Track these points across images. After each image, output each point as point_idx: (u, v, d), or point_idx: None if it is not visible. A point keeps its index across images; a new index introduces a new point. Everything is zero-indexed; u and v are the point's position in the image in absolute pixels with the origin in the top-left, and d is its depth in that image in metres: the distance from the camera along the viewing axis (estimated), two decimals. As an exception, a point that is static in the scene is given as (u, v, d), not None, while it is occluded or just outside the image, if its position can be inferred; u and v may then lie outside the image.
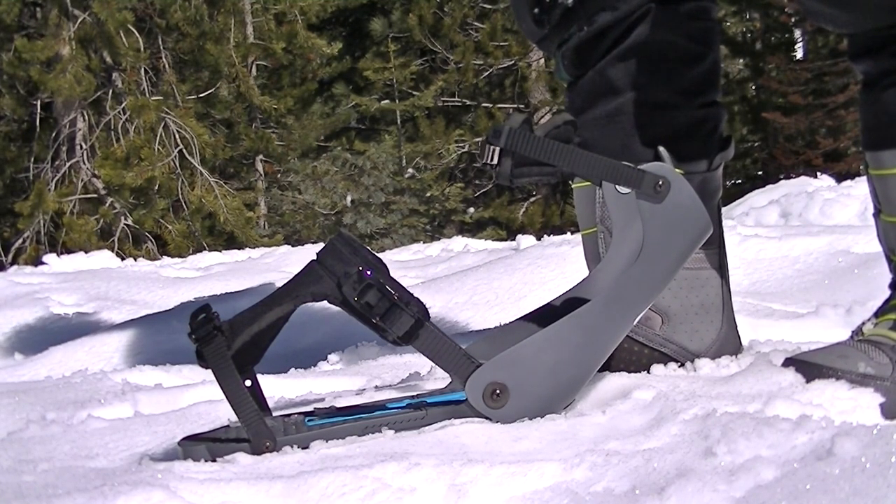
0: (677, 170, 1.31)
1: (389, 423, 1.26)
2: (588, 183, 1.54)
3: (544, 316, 1.36)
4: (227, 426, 1.29)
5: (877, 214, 1.44)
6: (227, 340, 1.24)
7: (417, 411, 1.27)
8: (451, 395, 1.30)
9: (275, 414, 1.31)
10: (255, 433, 1.21)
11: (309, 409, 1.33)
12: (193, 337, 1.25)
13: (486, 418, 1.26)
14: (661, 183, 1.29)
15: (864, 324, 1.42)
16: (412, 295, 1.26)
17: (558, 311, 1.32)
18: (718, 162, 1.53)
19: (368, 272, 1.24)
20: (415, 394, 1.36)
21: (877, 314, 1.42)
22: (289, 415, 1.32)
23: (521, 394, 1.26)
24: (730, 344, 1.50)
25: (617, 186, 1.30)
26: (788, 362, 1.33)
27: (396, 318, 1.23)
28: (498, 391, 1.25)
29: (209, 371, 1.24)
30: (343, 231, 1.33)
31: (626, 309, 1.29)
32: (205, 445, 1.22)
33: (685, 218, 1.30)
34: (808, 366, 1.30)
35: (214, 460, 1.20)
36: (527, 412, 1.26)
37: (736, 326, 1.53)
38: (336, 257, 1.26)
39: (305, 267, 1.28)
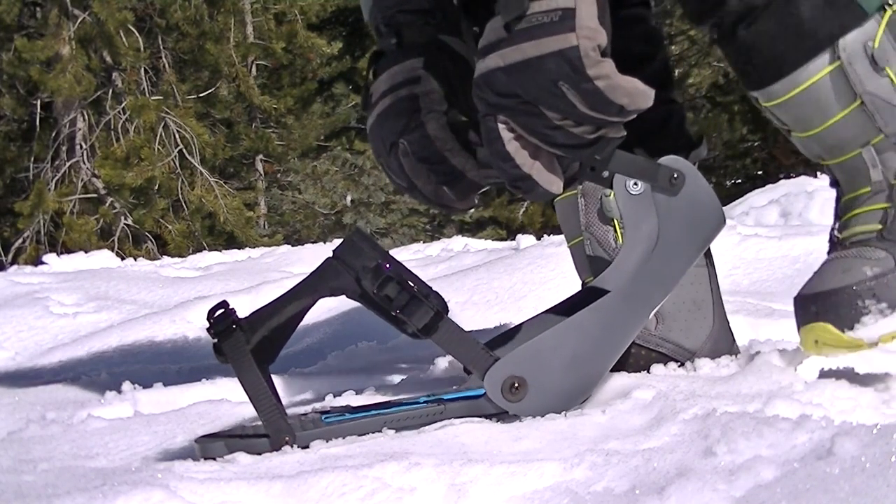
0: None
1: (409, 417, 1.25)
2: (569, 195, 1.54)
3: (563, 311, 1.37)
4: (243, 425, 1.29)
5: (788, 134, 1.45)
6: (246, 335, 1.24)
7: (436, 406, 1.27)
8: (467, 391, 1.29)
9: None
10: (273, 428, 1.21)
11: (326, 408, 1.33)
12: (212, 332, 1.24)
13: (505, 412, 1.26)
14: (675, 176, 1.30)
15: (832, 232, 1.43)
16: (431, 288, 1.26)
17: (576, 306, 1.32)
18: (693, 159, 1.53)
19: (387, 265, 1.24)
20: (430, 392, 1.36)
21: (838, 217, 1.43)
22: (304, 414, 1.32)
23: (539, 387, 1.26)
24: (724, 340, 1.50)
25: (628, 188, 1.31)
26: (799, 302, 1.34)
27: (416, 310, 1.23)
28: (517, 384, 1.25)
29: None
30: (360, 227, 1.33)
31: (643, 302, 1.30)
32: (223, 441, 1.22)
33: (700, 211, 1.31)
34: (820, 297, 1.32)
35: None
36: (545, 405, 1.26)
37: (728, 322, 1.53)
38: (354, 252, 1.26)
39: (323, 263, 1.28)
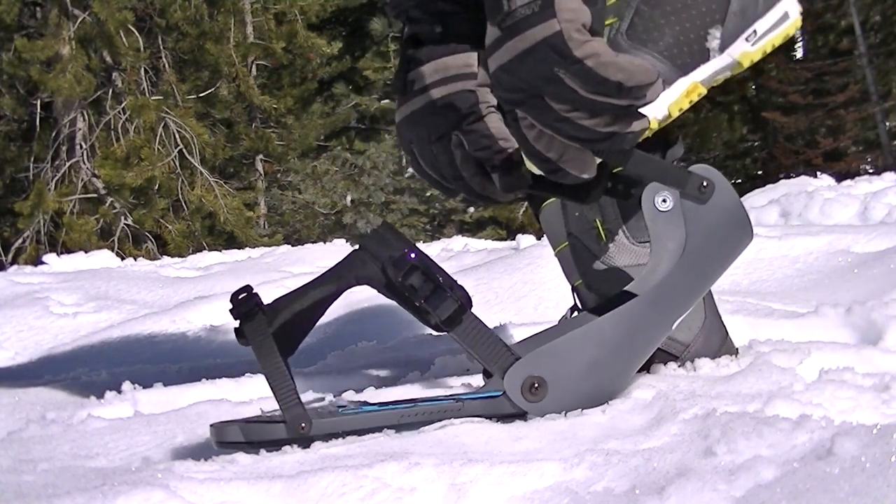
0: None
1: (426, 412, 1.24)
2: (552, 201, 1.54)
3: (588, 315, 1.37)
4: (259, 414, 1.28)
5: None
6: (269, 318, 1.23)
7: (455, 402, 1.26)
8: (486, 392, 1.29)
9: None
10: (291, 414, 1.19)
11: (342, 402, 1.33)
12: (234, 314, 1.24)
13: (524, 412, 1.26)
14: (705, 184, 1.30)
15: None
16: (455, 281, 1.25)
17: (602, 311, 1.32)
18: (669, 158, 1.53)
19: (412, 255, 1.24)
20: (449, 393, 1.35)
21: None
22: (321, 406, 1.31)
23: (558, 389, 1.25)
24: (716, 331, 1.50)
25: (657, 205, 1.31)
26: None
27: (440, 301, 1.23)
28: (536, 385, 1.25)
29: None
30: (387, 221, 1.33)
31: (668, 310, 1.30)
32: (238, 426, 1.21)
33: (728, 220, 1.31)
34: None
35: (251, 443, 1.19)
36: (564, 407, 1.26)
37: (719, 314, 1.53)
38: (380, 243, 1.26)
39: (349, 254, 1.28)
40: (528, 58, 1.22)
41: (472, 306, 1.25)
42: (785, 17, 1.41)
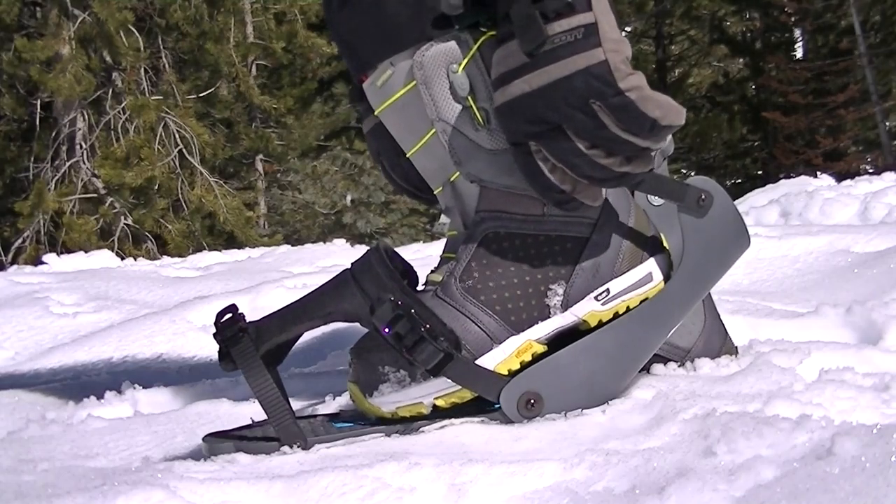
0: None
1: (420, 428, 1.24)
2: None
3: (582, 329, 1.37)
4: (251, 424, 1.28)
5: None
6: (255, 343, 1.23)
7: (451, 420, 1.26)
8: (483, 408, 1.29)
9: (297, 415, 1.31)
10: (285, 434, 1.20)
11: (335, 411, 1.33)
12: (219, 338, 1.24)
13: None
14: (703, 197, 1.30)
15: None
16: (444, 325, 1.24)
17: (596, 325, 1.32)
18: (659, 161, 1.52)
19: (401, 301, 1.23)
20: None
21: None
22: (314, 416, 1.31)
23: (554, 403, 1.26)
24: (716, 333, 1.49)
25: (650, 199, 1.31)
26: (351, 352, 1.29)
27: (424, 350, 1.22)
28: (532, 401, 1.25)
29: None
30: (381, 243, 1.31)
31: (662, 321, 1.30)
32: (232, 443, 1.21)
33: (727, 232, 1.31)
34: (361, 352, 1.28)
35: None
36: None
37: (719, 316, 1.52)
38: (372, 279, 1.25)
39: (339, 278, 1.27)
40: (564, 85, 1.17)
41: (460, 350, 1.24)
42: (648, 278, 1.31)
